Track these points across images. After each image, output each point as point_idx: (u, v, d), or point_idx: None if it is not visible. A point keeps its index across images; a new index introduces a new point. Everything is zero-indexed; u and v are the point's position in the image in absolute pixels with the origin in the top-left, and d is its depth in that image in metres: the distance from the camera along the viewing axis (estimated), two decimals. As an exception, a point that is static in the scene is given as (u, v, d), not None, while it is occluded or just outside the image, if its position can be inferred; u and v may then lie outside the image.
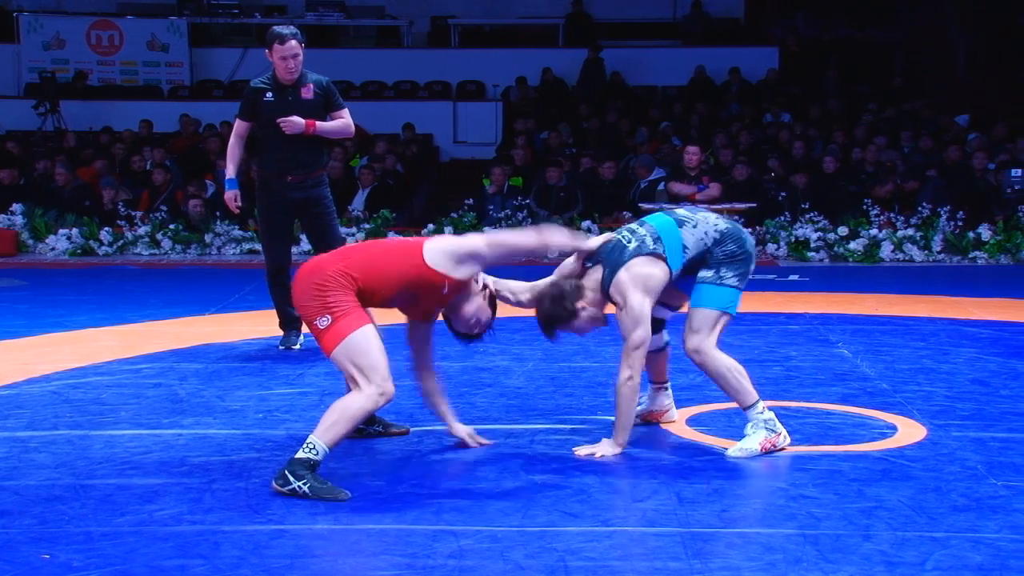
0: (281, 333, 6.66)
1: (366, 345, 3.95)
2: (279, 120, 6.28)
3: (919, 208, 11.84)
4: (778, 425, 4.43)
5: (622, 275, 4.34)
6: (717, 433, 4.71)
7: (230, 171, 6.55)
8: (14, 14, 17.36)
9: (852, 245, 11.57)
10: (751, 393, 4.42)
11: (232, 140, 6.55)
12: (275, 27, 6.40)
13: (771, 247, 11.67)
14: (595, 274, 4.42)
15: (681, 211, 4.57)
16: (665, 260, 4.36)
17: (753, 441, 4.38)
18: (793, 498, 3.87)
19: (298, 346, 6.55)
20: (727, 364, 4.40)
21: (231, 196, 6.55)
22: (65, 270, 11.13)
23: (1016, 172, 12.51)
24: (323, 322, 3.97)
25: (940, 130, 14.45)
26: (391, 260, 4.10)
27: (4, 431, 4.75)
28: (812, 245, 11.67)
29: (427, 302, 4.21)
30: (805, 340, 6.80)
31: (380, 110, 16.11)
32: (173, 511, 3.75)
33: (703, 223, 4.44)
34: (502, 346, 6.39)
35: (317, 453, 3.90)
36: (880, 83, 16.42)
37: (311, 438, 3.93)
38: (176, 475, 4.14)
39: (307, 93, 6.39)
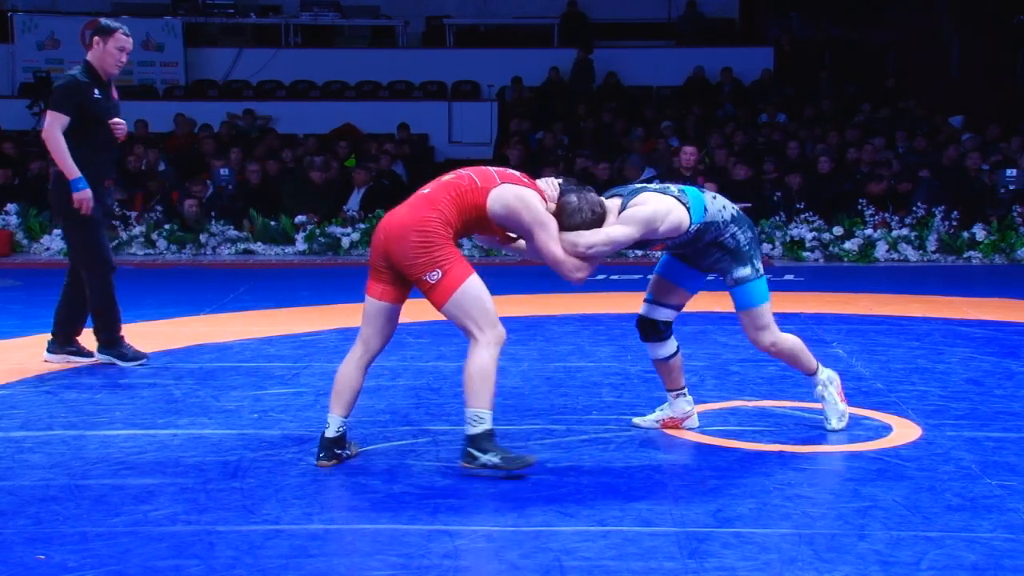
0: (94, 344, 6.18)
1: (476, 293, 4.06)
2: (118, 122, 5.98)
3: (914, 208, 11.86)
4: (834, 377, 4.74)
5: (641, 197, 4.38)
6: (712, 433, 4.71)
7: (75, 170, 5.83)
8: (8, 14, 17.32)
9: (847, 245, 11.59)
10: (813, 360, 4.69)
11: (61, 136, 5.84)
12: (104, 19, 6.06)
13: (766, 247, 11.67)
14: (613, 202, 4.43)
15: None
16: (688, 208, 4.39)
17: (835, 407, 4.68)
18: (788, 498, 3.87)
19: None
20: (796, 344, 4.64)
21: (87, 196, 5.87)
22: (60, 270, 11.01)
23: (1010, 172, 12.53)
24: (433, 276, 4.04)
25: (934, 130, 14.47)
26: (467, 205, 4.14)
27: (-2, 431, 4.74)
28: (807, 245, 11.68)
29: (485, 237, 4.40)
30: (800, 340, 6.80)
31: (375, 110, 16.10)
32: (168, 511, 3.74)
33: (720, 199, 4.57)
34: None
35: (485, 421, 4.02)
36: (874, 83, 16.44)
37: (471, 411, 4.03)
38: (171, 475, 4.14)
39: (116, 94, 6.14)
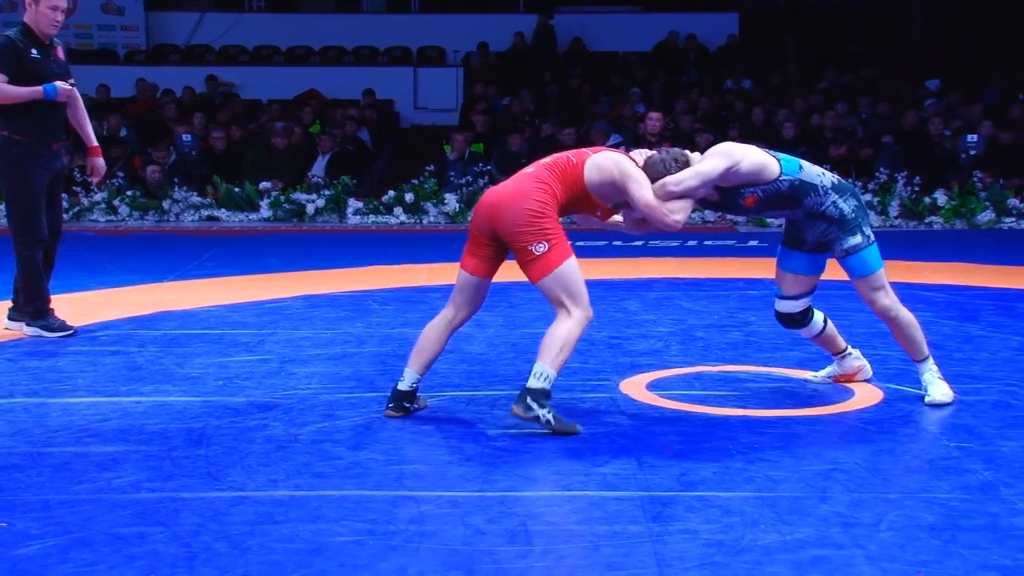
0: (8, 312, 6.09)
1: (575, 274, 4.19)
2: (70, 84, 5.93)
3: (876, 173, 11.93)
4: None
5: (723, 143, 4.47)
6: (677, 398, 4.74)
7: (35, 90, 5.79)
8: (-37, -24, 17.03)
9: (811, 211, 11.63)
10: (926, 347, 4.66)
11: (4, 85, 5.75)
12: None
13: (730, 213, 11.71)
14: (696, 155, 4.57)
15: None
16: (778, 160, 4.44)
17: (941, 388, 4.60)
18: (751, 461, 3.91)
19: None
20: (914, 321, 4.65)
21: (63, 86, 5.89)
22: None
23: (971, 137, 12.64)
24: (540, 248, 4.14)
25: (898, 97, 14.55)
26: (569, 180, 4.27)
27: (-41, 400, 4.70)
28: (771, 211, 11.71)
29: (583, 216, 4.52)
30: (764, 305, 6.82)
31: (340, 76, 15.98)
32: (132, 479, 3.73)
33: (817, 167, 4.58)
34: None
35: (550, 380, 4.12)
36: (838, 49, 16.47)
37: (541, 366, 4.11)
38: (134, 442, 4.12)
39: (62, 54, 6.06)
